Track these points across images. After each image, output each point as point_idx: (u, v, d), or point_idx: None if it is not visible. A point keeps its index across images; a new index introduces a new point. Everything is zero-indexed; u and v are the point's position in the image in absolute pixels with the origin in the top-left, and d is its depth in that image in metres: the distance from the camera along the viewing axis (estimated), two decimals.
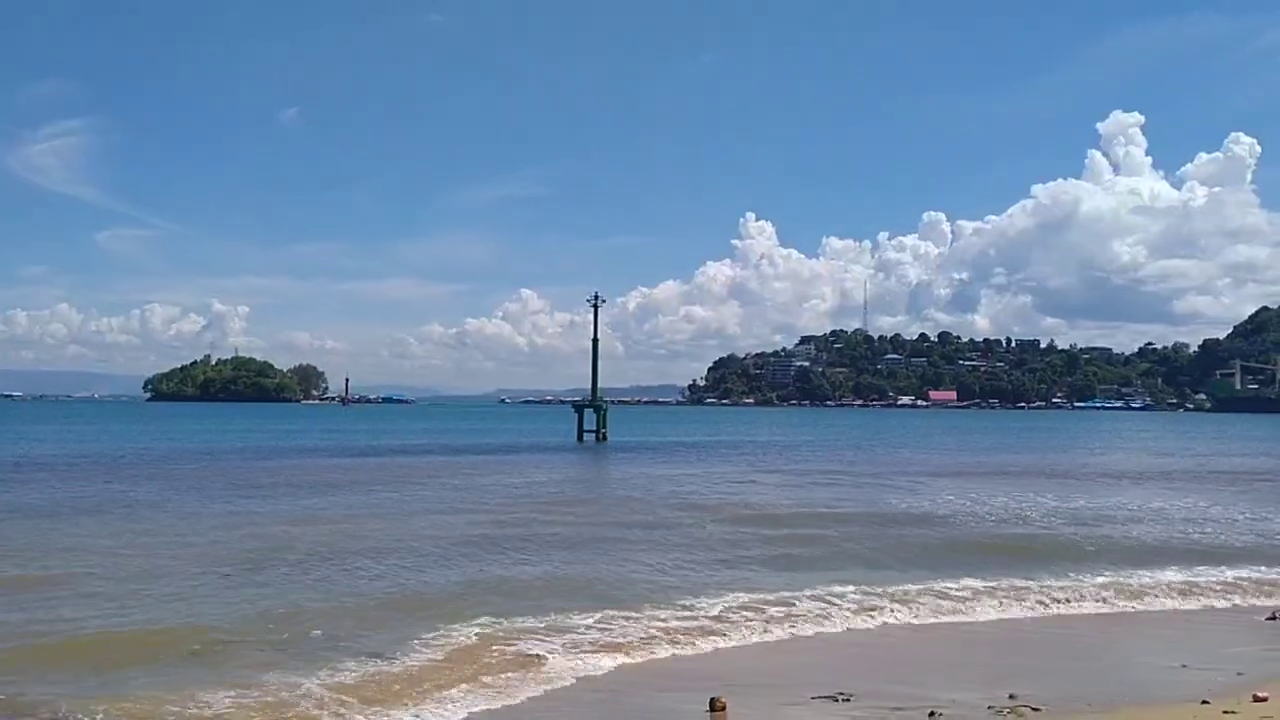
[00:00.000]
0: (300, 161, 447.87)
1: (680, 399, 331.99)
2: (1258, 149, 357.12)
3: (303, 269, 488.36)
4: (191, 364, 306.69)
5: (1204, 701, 12.31)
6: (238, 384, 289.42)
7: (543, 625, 15.73)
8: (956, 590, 18.96)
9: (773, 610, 17.02)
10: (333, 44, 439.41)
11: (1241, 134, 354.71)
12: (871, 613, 17.27)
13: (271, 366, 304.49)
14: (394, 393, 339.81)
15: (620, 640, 15.11)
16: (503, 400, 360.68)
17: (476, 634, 15.16)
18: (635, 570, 20.98)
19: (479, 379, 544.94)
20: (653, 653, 14.64)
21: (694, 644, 15.11)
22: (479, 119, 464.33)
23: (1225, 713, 11.78)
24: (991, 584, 19.51)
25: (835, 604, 17.60)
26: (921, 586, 19.19)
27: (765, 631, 15.92)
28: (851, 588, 18.91)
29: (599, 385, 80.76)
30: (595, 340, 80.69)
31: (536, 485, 41.78)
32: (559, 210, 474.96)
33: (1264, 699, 12.23)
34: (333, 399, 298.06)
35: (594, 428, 78.71)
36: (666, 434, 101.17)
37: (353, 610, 16.77)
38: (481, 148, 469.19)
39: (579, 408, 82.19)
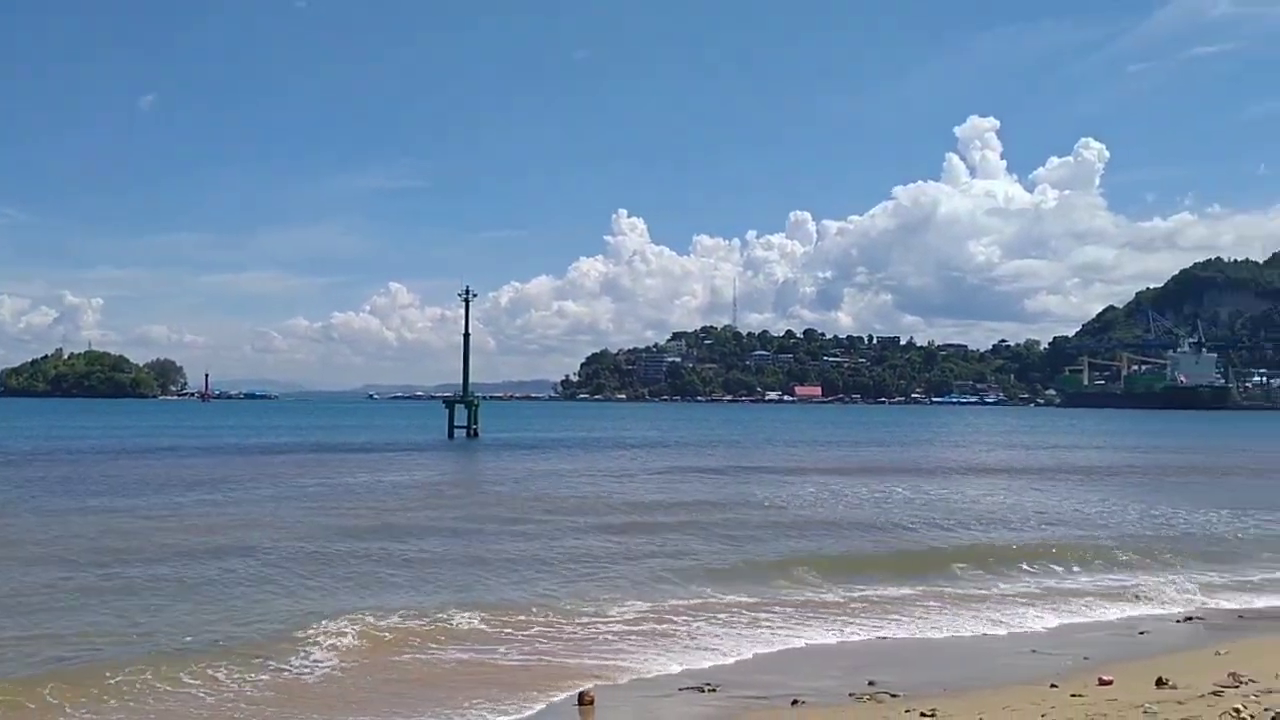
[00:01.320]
0: (158, 149, 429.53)
1: (553, 395, 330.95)
2: (1106, 154, 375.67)
3: (160, 260, 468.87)
4: (42, 358, 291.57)
5: (1053, 685, 12.99)
6: (91, 379, 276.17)
7: (429, 626, 15.64)
8: (824, 592, 19.38)
9: (650, 616, 17.03)
10: (194, 27, 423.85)
11: (1091, 139, 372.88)
12: (740, 614, 17.51)
13: (127, 361, 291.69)
14: (257, 388, 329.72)
15: (501, 639, 15.22)
16: (371, 396, 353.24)
17: (363, 635, 15.02)
18: (511, 571, 20.90)
19: (346, 374, 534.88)
20: (534, 650, 14.71)
21: (566, 643, 15.21)
22: (349, 107, 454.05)
23: (1073, 695, 12.43)
24: (859, 588, 19.72)
25: (709, 610, 17.60)
26: (788, 588, 19.64)
27: (641, 636, 15.91)
28: (723, 593, 19.10)
29: (470, 381, 80.00)
30: (466, 335, 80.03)
31: (406, 483, 41.20)
32: (431, 202, 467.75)
33: (1109, 682, 12.96)
34: (192, 395, 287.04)
35: (465, 424, 77.90)
36: (539, 430, 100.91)
37: (225, 614, 16.41)
38: (351, 137, 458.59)
39: (450, 403, 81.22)
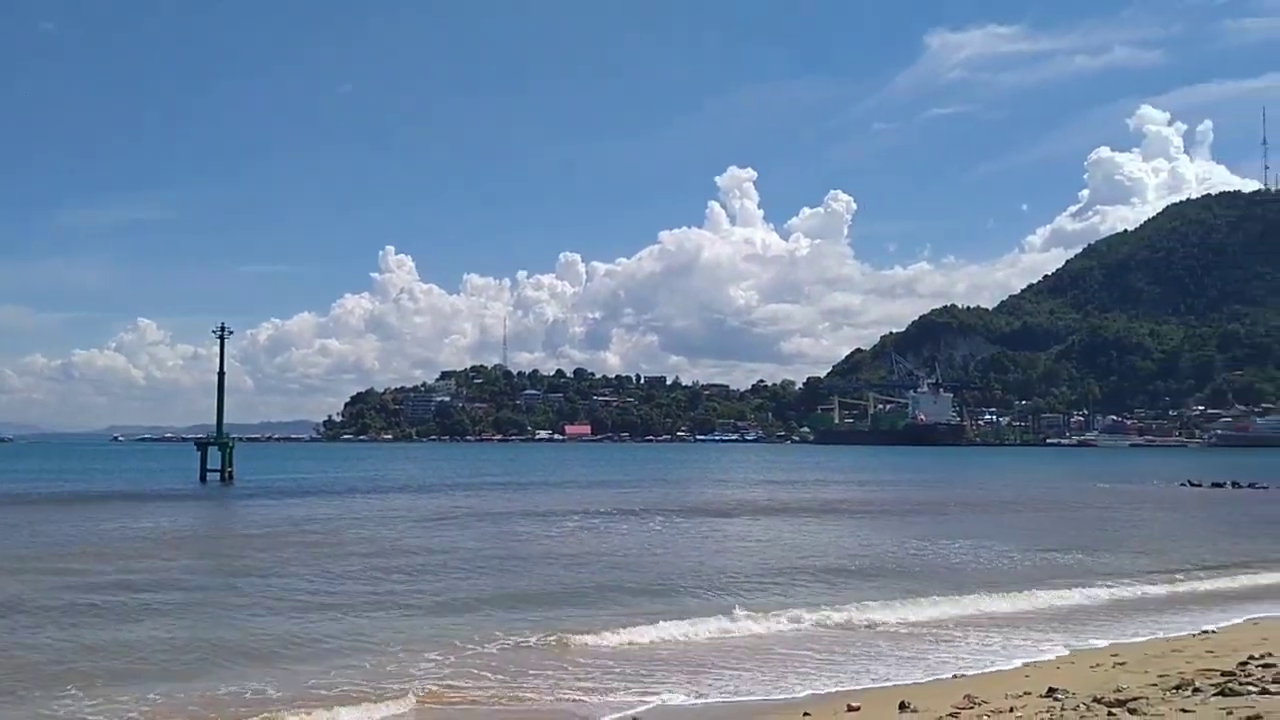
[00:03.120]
0: None
1: (315, 435, 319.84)
2: (853, 206, 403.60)
3: None
4: None
5: (805, 714, 13.63)
6: None
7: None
8: (588, 638, 19.20)
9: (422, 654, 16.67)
10: None
11: (840, 191, 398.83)
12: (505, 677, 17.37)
13: None
14: None
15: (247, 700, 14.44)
16: (116, 438, 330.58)
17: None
18: (262, 628, 19.91)
19: (89, 415, 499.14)
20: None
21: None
22: (96, 135, 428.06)
23: None
24: (626, 637, 19.48)
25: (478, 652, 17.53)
26: (559, 653, 19.58)
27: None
28: (509, 639, 19.04)
29: (225, 421, 76.16)
30: (221, 374, 76.19)
31: (150, 533, 38.44)
32: (184, 235, 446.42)
33: (857, 708, 13.71)
34: None
35: (219, 467, 73.91)
36: (300, 473, 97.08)
37: None
38: (97, 166, 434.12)
39: (202, 446, 76.96)
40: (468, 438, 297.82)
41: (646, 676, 16.14)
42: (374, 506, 53.82)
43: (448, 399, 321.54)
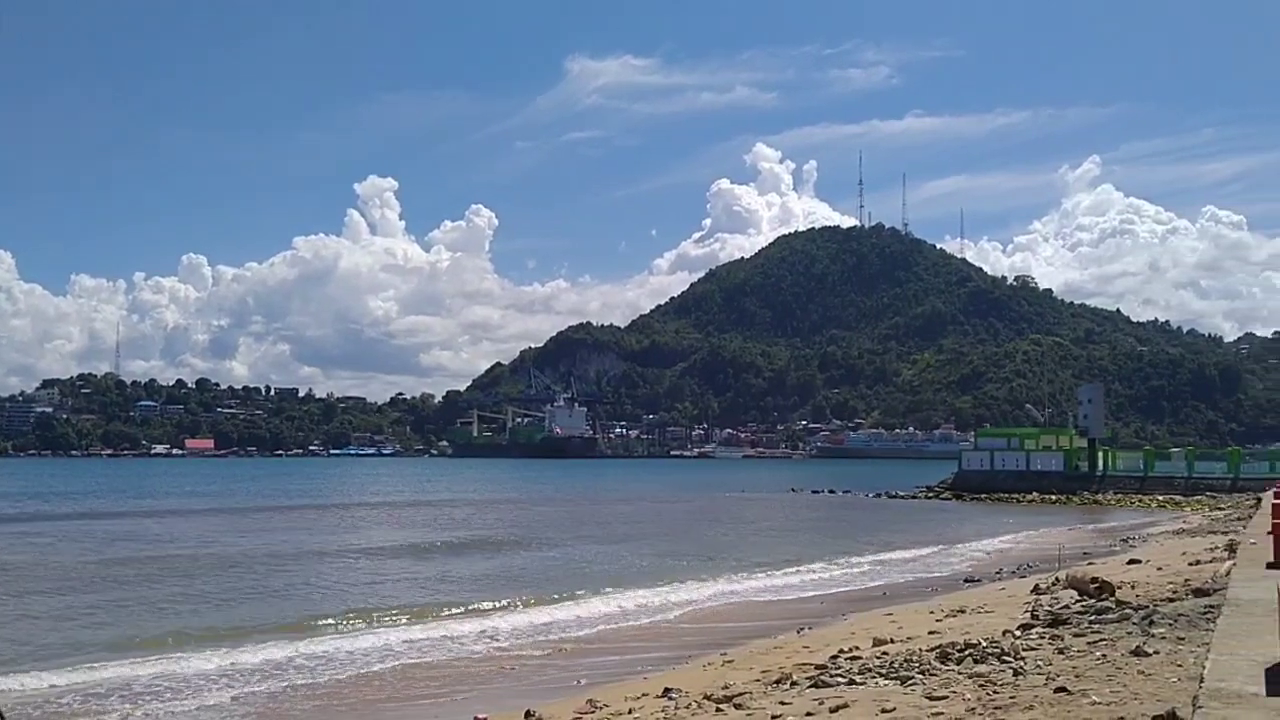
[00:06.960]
0: None
1: None
2: (495, 221, 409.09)
3: None
4: None
5: None
6: None
7: None
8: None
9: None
10: None
11: (482, 206, 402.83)
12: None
13: None
14: None
15: None
16: None
17: None
18: None
19: None
20: None
21: None
22: None
23: None
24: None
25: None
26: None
27: None
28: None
29: None
30: None
31: None
32: None
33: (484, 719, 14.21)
34: None
35: None
36: None
37: None
38: None
39: None
40: (73, 452, 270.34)
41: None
42: None
43: (50, 410, 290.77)
